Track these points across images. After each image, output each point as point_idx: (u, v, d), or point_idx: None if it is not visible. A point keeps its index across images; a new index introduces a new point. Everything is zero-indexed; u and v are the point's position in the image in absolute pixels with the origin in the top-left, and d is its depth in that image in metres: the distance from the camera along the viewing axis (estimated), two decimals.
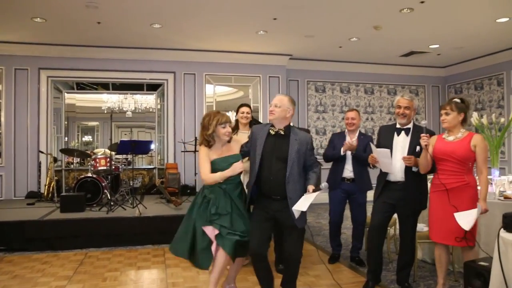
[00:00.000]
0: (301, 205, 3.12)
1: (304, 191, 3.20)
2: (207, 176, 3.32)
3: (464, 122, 3.50)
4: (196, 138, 7.39)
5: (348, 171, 4.66)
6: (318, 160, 3.71)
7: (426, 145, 3.47)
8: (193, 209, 3.46)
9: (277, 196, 3.25)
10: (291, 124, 3.45)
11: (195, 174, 7.37)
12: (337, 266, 4.72)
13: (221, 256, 3.37)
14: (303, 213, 3.22)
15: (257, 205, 3.40)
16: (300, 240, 3.45)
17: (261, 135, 3.36)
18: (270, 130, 3.35)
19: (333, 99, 9.80)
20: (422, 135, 3.47)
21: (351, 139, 4.68)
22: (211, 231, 3.36)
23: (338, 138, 4.81)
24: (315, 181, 3.26)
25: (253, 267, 3.53)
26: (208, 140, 3.39)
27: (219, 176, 3.30)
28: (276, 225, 3.41)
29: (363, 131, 9.92)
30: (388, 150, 3.69)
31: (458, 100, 3.50)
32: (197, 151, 7.24)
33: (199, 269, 3.50)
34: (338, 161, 4.71)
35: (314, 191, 3.15)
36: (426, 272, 4.43)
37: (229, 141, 3.49)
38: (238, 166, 3.33)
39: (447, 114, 3.46)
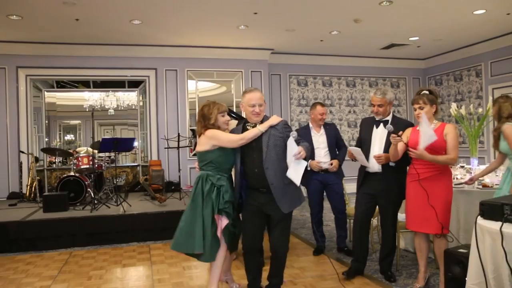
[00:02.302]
0: (293, 173, 3.13)
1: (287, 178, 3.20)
2: (242, 136, 3.26)
3: (436, 113, 3.57)
4: (179, 134, 7.37)
5: (322, 163, 4.76)
6: None
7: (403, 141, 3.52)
8: (198, 197, 3.33)
9: (263, 188, 3.27)
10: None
11: (179, 170, 7.35)
12: (322, 258, 4.78)
13: (221, 250, 3.40)
14: (288, 199, 3.24)
15: (247, 199, 3.42)
16: (286, 234, 3.44)
17: (237, 132, 3.40)
18: (248, 126, 3.38)
19: (315, 93, 9.84)
20: (392, 135, 3.47)
21: (318, 133, 4.83)
22: (218, 219, 3.34)
23: (304, 131, 4.83)
24: (304, 148, 3.17)
25: (243, 259, 3.56)
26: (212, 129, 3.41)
27: (259, 128, 3.23)
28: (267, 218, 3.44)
29: (346, 124, 10.04)
30: (359, 149, 3.85)
31: (427, 92, 3.56)
32: (180, 147, 7.29)
33: (204, 262, 3.42)
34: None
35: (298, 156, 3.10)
36: (408, 261, 4.52)
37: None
38: (277, 118, 3.29)
39: (421, 108, 3.52)
